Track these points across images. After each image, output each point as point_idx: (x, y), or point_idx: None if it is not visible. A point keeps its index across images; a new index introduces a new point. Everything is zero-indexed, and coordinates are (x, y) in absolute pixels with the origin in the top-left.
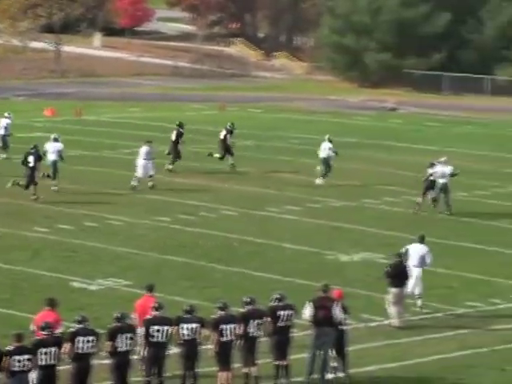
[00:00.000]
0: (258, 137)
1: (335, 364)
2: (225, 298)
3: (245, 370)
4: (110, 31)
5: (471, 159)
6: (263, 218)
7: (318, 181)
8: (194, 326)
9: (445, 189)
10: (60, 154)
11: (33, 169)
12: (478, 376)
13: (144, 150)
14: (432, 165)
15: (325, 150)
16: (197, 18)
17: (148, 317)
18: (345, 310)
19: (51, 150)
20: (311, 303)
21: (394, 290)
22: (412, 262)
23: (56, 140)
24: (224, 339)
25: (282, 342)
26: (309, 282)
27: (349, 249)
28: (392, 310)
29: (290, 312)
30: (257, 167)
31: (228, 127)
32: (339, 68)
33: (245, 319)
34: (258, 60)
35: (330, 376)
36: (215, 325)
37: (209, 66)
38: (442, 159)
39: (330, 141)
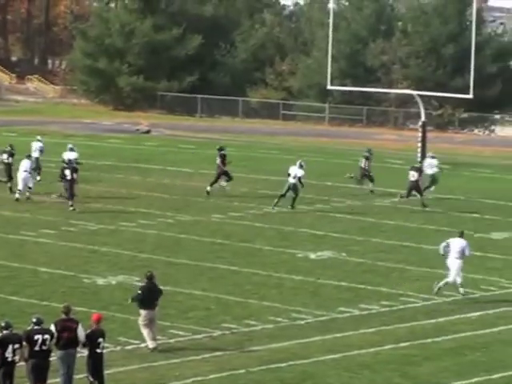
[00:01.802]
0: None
1: None
2: None
3: None
4: None
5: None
6: (18, 242)
7: (432, 188)
8: None
9: (294, 188)
10: (41, 150)
11: (71, 181)
12: None
13: (25, 163)
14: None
15: (432, 167)
16: None
17: None
18: (102, 333)
19: (34, 148)
20: (54, 326)
21: (143, 311)
22: (453, 255)
23: (39, 141)
24: None
25: (39, 367)
26: None
27: (105, 272)
28: (145, 332)
29: (47, 336)
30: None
31: (365, 154)
32: (93, 91)
33: (2, 344)
34: (10, 83)
35: None
36: None
37: None
38: (299, 161)
39: (434, 157)
